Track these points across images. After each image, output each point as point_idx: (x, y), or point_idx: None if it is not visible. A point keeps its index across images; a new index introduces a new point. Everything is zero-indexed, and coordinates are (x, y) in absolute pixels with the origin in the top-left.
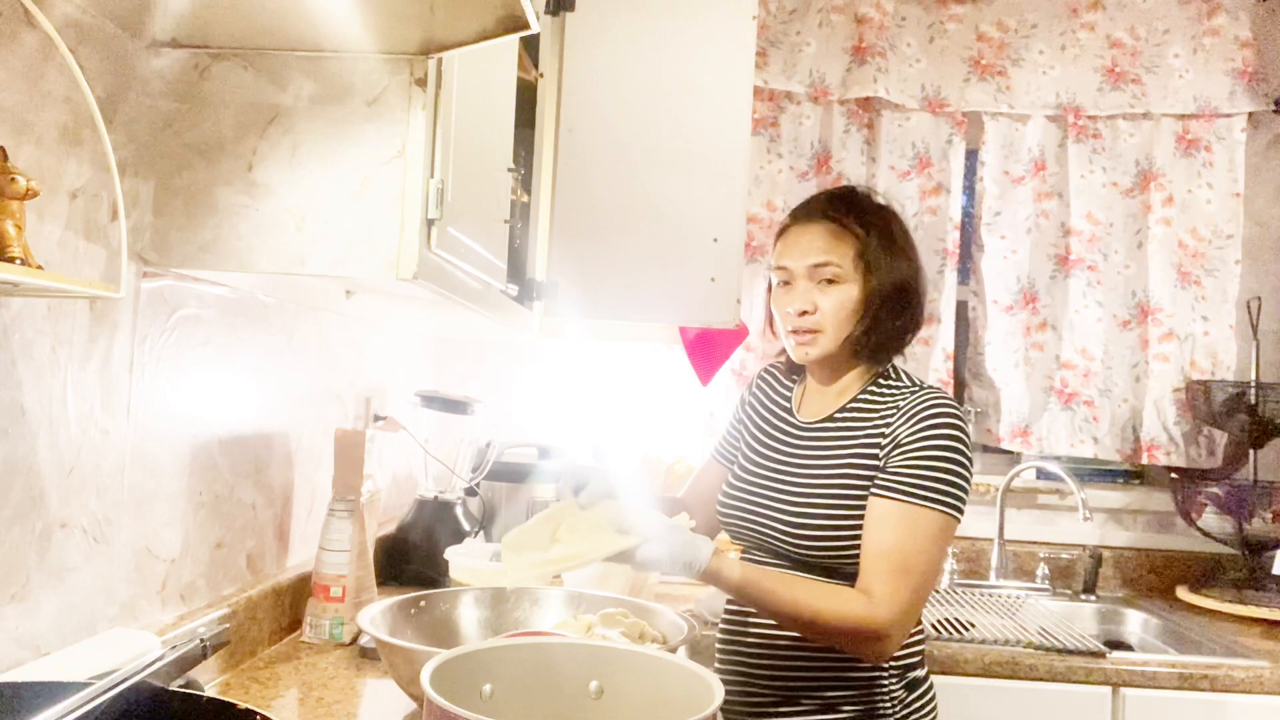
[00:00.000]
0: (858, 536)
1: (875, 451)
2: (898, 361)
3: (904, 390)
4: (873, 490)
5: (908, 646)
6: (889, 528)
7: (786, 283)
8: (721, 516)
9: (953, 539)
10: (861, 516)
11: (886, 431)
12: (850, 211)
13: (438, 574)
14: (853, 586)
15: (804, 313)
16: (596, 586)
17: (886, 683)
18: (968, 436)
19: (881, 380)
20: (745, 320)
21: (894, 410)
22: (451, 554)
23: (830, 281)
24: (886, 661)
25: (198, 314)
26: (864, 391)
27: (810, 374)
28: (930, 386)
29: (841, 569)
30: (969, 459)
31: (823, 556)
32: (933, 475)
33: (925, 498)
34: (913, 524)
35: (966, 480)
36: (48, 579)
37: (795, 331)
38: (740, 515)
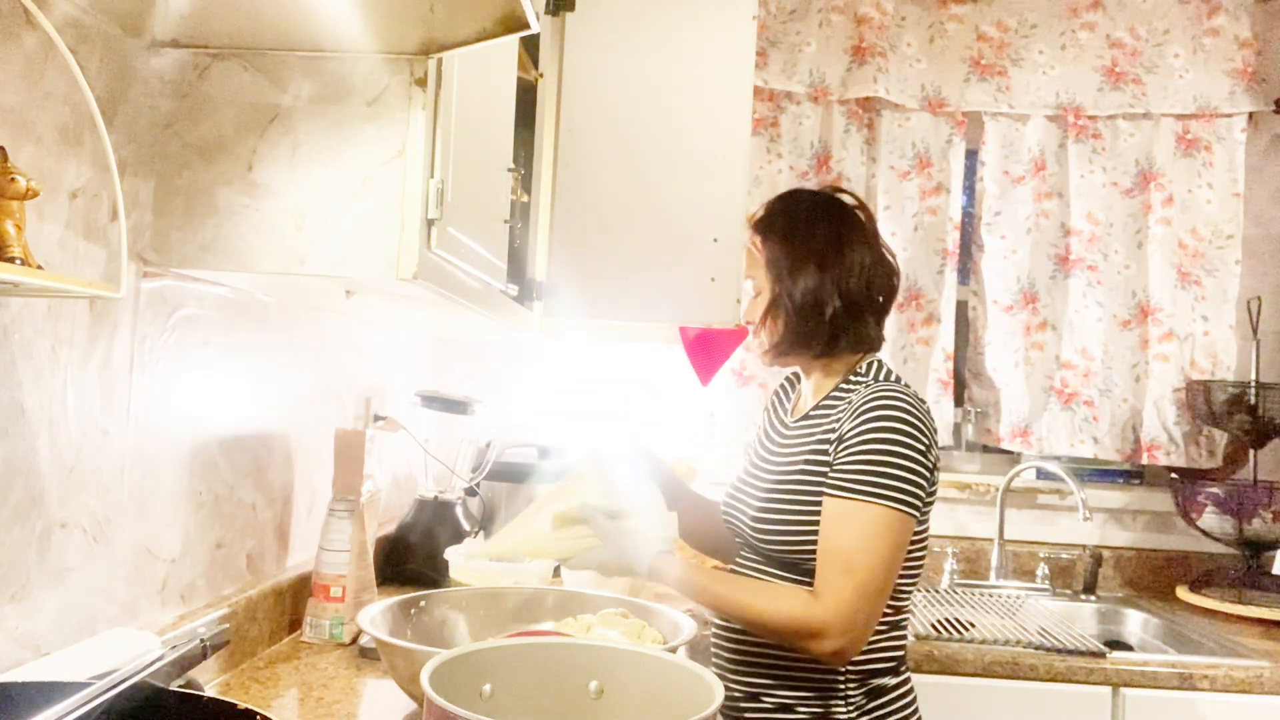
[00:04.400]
0: (808, 535)
1: (827, 449)
2: (888, 358)
3: (862, 386)
4: (824, 488)
5: (874, 652)
6: (836, 526)
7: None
8: (723, 515)
9: (909, 532)
10: (811, 516)
11: (835, 428)
12: (763, 221)
13: (438, 574)
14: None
15: (749, 322)
16: (596, 586)
17: (844, 687)
18: (917, 428)
19: (852, 377)
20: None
21: (847, 406)
22: (451, 554)
23: (757, 292)
24: (844, 664)
25: (198, 314)
26: (835, 389)
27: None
28: (887, 382)
29: (803, 564)
30: (919, 450)
31: (785, 552)
32: (874, 470)
33: (867, 493)
34: (857, 521)
35: (914, 472)
36: (48, 579)
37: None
38: (730, 512)
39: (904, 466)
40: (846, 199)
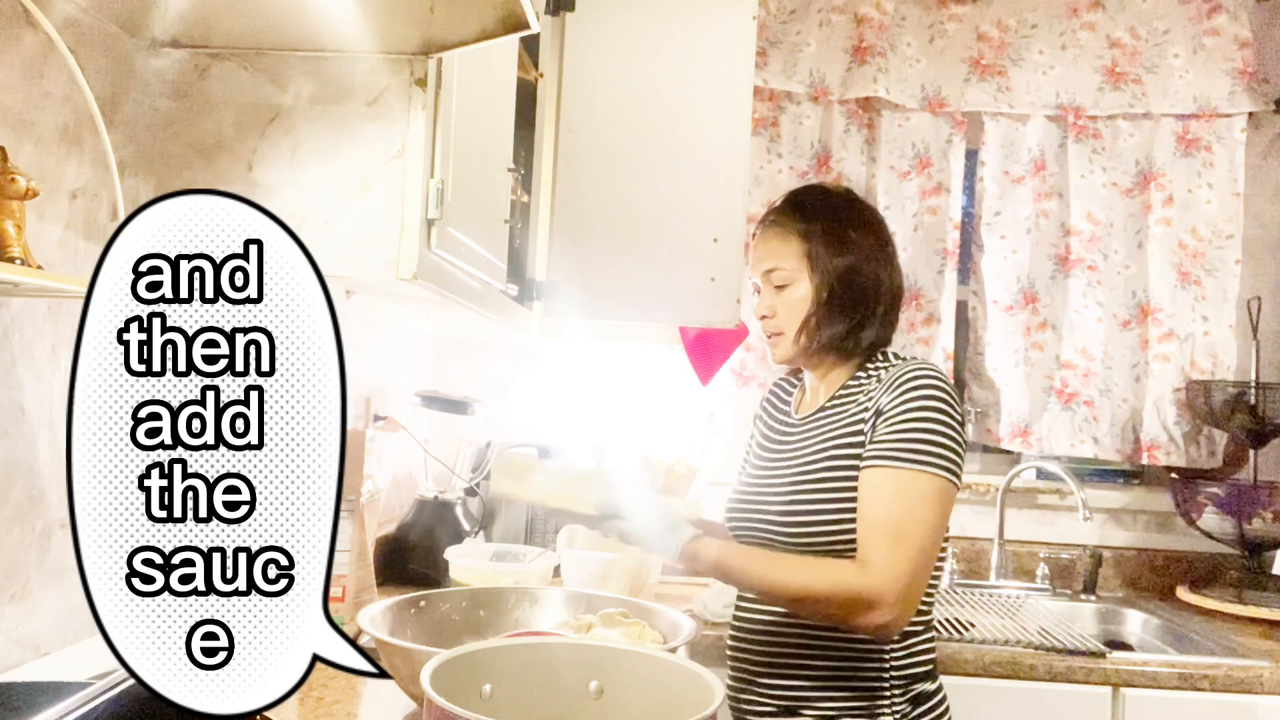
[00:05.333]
0: (846, 518)
1: (861, 427)
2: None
3: (888, 367)
4: (862, 462)
5: (913, 655)
6: (881, 495)
7: (758, 289)
8: (728, 525)
9: (951, 504)
10: (849, 497)
11: (869, 405)
12: (794, 213)
13: (438, 574)
14: None
15: (764, 317)
16: (596, 586)
17: (889, 694)
18: (952, 400)
19: (869, 365)
20: (745, 320)
21: (877, 384)
22: (451, 554)
23: (781, 286)
24: (888, 664)
25: None
26: (851, 378)
27: (804, 371)
28: (914, 359)
29: (844, 553)
30: (957, 422)
31: (815, 543)
32: (920, 438)
33: (915, 461)
34: (904, 488)
35: (956, 442)
36: (48, 579)
37: (766, 335)
38: (741, 518)
39: (945, 434)
40: (860, 198)
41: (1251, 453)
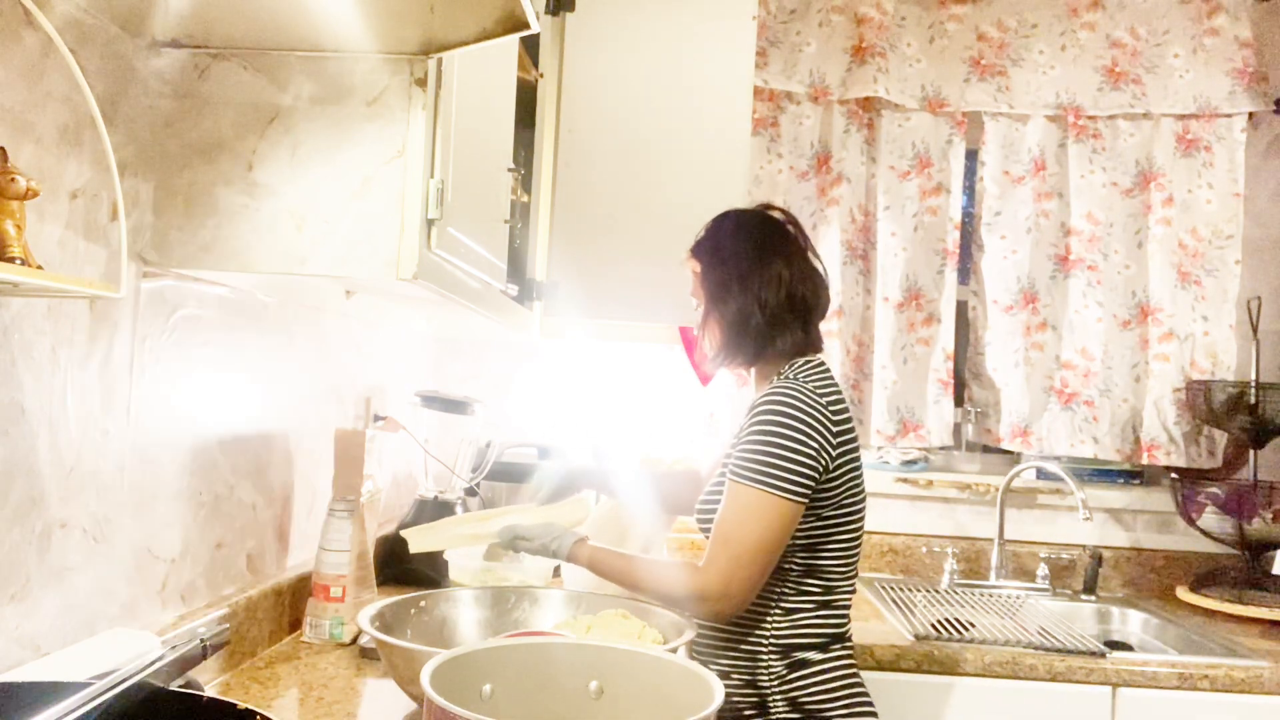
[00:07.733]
0: None
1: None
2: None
3: (772, 384)
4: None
5: (799, 626)
6: (724, 505)
7: None
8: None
9: (777, 512)
10: None
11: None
12: (693, 247)
13: (438, 574)
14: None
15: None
16: (596, 586)
17: (765, 658)
18: (795, 417)
19: (775, 378)
20: None
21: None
22: (452, 554)
23: (698, 309)
24: (769, 633)
25: (198, 314)
26: (760, 394)
27: None
28: (787, 380)
29: None
30: (796, 438)
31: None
32: (749, 456)
33: (743, 477)
34: (736, 501)
35: (788, 459)
36: (48, 579)
37: None
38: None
39: (776, 454)
40: (776, 215)
41: (1251, 453)
